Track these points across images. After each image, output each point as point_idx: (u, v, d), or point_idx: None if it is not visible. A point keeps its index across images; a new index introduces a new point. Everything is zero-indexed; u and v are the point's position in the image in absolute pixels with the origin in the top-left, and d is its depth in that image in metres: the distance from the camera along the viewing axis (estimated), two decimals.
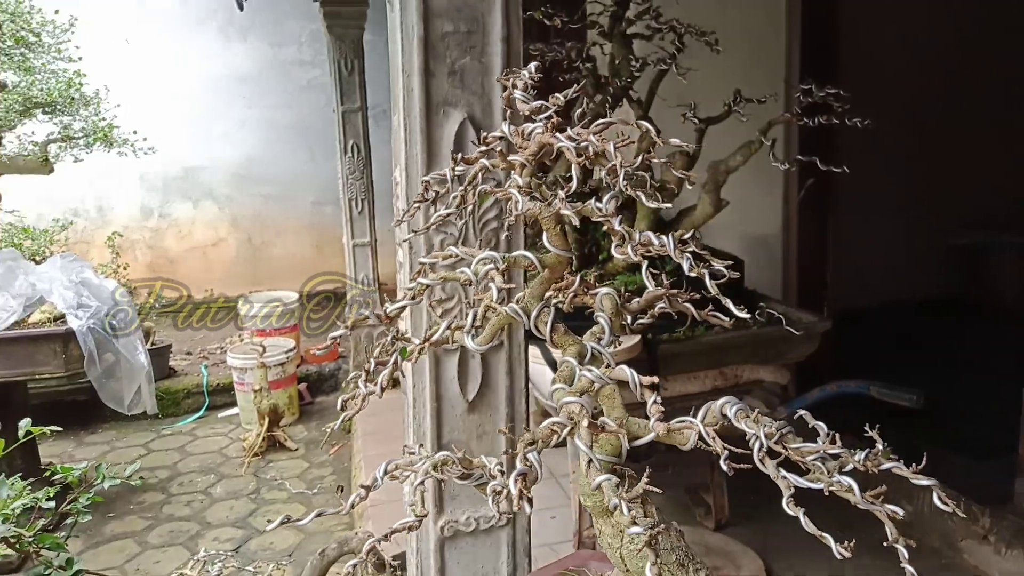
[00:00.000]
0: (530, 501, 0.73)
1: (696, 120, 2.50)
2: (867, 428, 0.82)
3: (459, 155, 0.83)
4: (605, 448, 0.77)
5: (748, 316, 0.90)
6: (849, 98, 2.30)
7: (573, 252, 0.84)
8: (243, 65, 6.34)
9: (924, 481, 0.76)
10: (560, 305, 0.93)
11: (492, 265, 0.78)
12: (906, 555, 0.72)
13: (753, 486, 3.25)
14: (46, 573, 1.17)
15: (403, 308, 0.80)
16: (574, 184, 0.79)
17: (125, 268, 5.24)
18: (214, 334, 5.95)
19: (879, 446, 0.79)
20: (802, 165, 3.58)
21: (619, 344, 0.90)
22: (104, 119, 3.81)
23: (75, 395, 4.71)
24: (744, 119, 2.41)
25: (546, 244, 0.82)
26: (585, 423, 0.75)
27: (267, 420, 4.30)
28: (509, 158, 0.80)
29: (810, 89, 2.29)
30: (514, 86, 0.83)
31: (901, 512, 0.73)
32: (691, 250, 0.81)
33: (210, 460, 4.36)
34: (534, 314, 0.82)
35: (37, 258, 4.12)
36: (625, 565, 0.84)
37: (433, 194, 0.84)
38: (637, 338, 2.33)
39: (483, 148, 0.81)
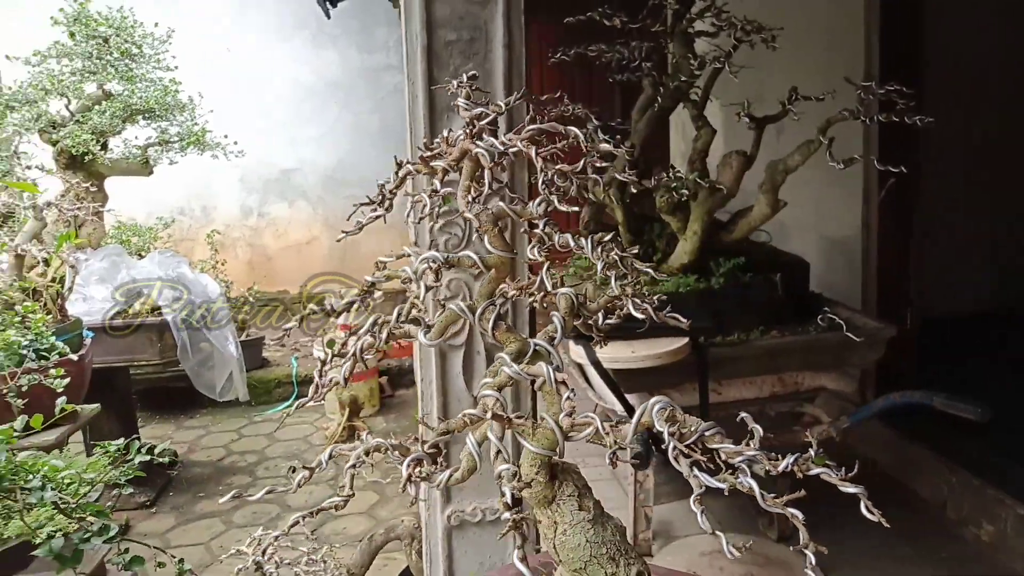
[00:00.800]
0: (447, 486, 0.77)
1: (749, 119, 2.44)
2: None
3: (401, 160, 0.87)
4: (542, 442, 0.79)
5: (685, 323, 0.90)
6: (914, 95, 2.19)
7: (514, 253, 0.86)
8: (333, 71, 6.62)
9: (851, 489, 0.76)
10: (534, 304, 0.96)
11: (427, 265, 0.82)
12: (813, 560, 0.71)
13: (822, 498, 3.16)
14: (86, 538, 1.29)
15: (350, 305, 0.85)
16: (485, 188, 0.82)
17: (223, 264, 5.59)
18: (305, 327, 6.24)
19: (810, 452, 0.78)
20: (883, 164, 3.44)
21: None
22: (198, 124, 4.07)
23: (176, 382, 5.06)
24: (796, 118, 2.34)
25: (487, 245, 0.85)
26: (489, 416, 0.77)
27: (347, 411, 4.49)
28: (431, 163, 0.84)
29: (869, 86, 2.20)
30: (461, 95, 0.87)
31: (801, 515, 0.72)
32: (616, 253, 0.81)
33: (295, 447, 4.59)
34: (479, 311, 0.85)
35: (142, 253, 4.46)
36: (558, 554, 0.86)
37: (380, 198, 0.88)
38: (684, 340, 2.31)
39: (427, 154, 0.85)
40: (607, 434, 0.76)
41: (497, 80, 1.27)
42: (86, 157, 3.79)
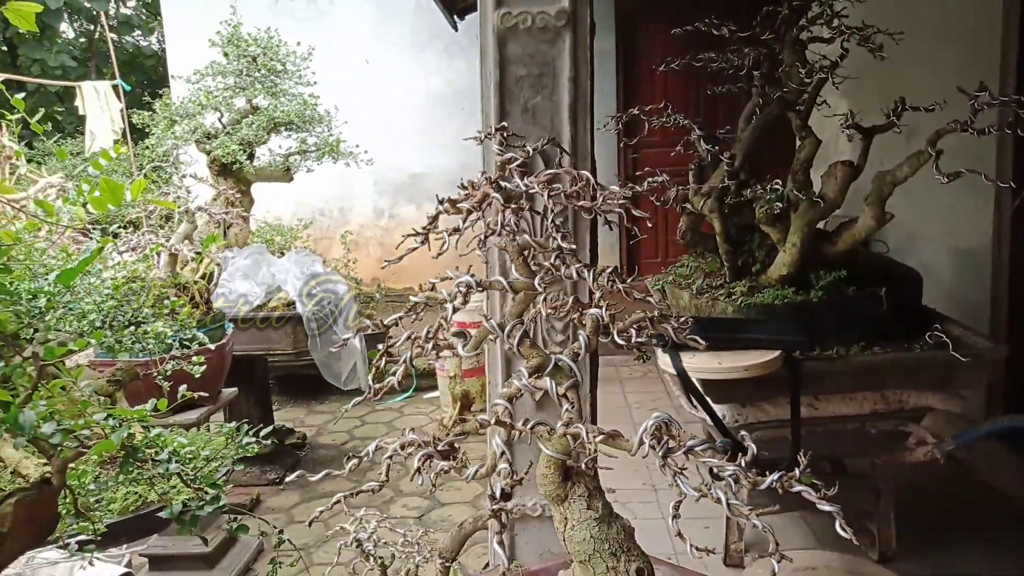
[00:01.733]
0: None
1: (855, 129, 2.39)
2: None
3: (443, 199, 0.99)
4: (556, 447, 0.88)
5: (702, 344, 0.96)
6: None
7: (541, 284, 0.95)
8: (462, 80, 6.89)
9: (827, 507, 0.80)
10: (565, 321, 1.05)
11: (458, 288, 0.93)
12: (776, 567, 0.76)
13: (926, 521, 3.03)
14: (200, 505, 1.51)
15: (399, 319, 0.98)
16: (499, 227, 0.91)
17: (354, 262, 5.98)
18: (429, 322, 6.55)
19: (796, 472, 0.83)
20: (1019, 173, 3.23)
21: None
22: (333, 135, 4.41)
23: (309, 370, 5.49)
24: (899, 131, 2.27)
25: (514, 272, 0.95)
26: (494, 420, 0.87)
27: (459, 404, 4.71)
28: (458, 204, 0.95)
29: (977, 96, 2.10)
30: (496, 141, 0.98)
31: (760, 524, 0.78)
32: (617, 284, 0.89)
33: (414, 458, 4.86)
34: (507, 329, 0.95)
35: (284, 252, 4.88)
36: (567, 546, 0.95)
37: (422, 234, 1.01)
38: (775, 353, 2.30)
39: (455, 197, 0.97)
40: (596, 442, 0.84)
41: (563, 111, 1.36)
42: (235, 165, 4.21)
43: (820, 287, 2.45)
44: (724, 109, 5.72)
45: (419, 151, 6.99)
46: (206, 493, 1.53)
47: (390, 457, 0.99)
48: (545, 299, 0.98)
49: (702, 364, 2.28)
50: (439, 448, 0.92)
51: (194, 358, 2.72)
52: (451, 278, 0.99)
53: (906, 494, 2.86)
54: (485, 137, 0.99)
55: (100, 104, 5.94)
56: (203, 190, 4.37)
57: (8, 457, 1.45)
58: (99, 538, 1.80)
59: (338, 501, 1.04)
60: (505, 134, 0.99)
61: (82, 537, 1.78)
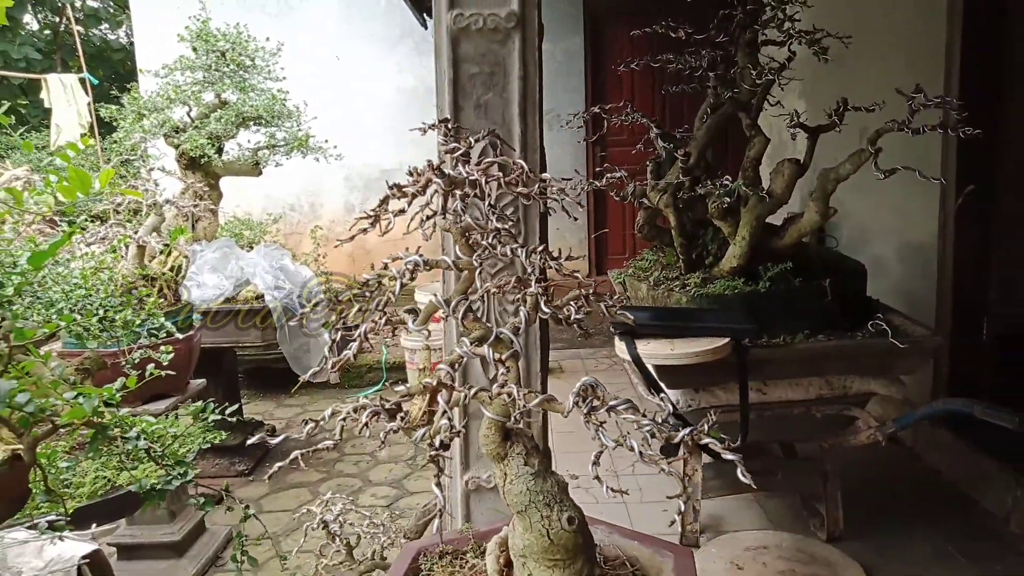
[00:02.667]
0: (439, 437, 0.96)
1: (799, 128, 2.51)
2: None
3: (392, 184, 1.08)
4: (495, 409, 0.97)
5: (630, 319, 1.05)
6: (963, 106, 2.21)
7: (478, 261, 1.04)
8: (433, 77, 6.94)
9: (729, 456, 0.89)
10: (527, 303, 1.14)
11: (407, 266, 1.01)
12: (678, 515, 0.86)
13: (873, 503, 3.17)
14: (168, 479, 1.57)
15: (352, 297, 1.06)
16: (440, 210, 1.00)
17: (324, 257, 6.02)
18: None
19: (704, 426, 0.92)
20: (962, 171, 3.38)
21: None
22: (302, 130, 4.46)
23: (279, 363, 5.52)
24: (838, 130, 2.39)
25: (456, 252, 1.04)
26: (436, 383, 0.95)
27: (428, 396, 4.77)
28: (404, 189, 1.03)
29: (914, 97, 2.23)
30: (440, 132, 1.06)
31: (668, 471, 0.87)
32: (546, 261, 0.97)
33: (380, 428, 4.93)
34: (453, 304, 1.03)
35: (253, 246, 4.91)
36: (506, 499, 1.04)
37: (373, 216, 1.09)
38: (724, 340, 2.41)
39: (403, 183, 1.05)
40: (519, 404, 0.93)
41: (513, 107, 1.45)
42: (203, 159, 4.24)
43: (768, 278, 2.57)
44: (689, 108, 5.85)
45: (390, 147, 7.04)
46: (173, 469, 1.60)
47: (343, 419, 1.07)
48: (491, 277, 1.06)
49: (655, 350, 2.38)
50: (386, 408, 1.00)
51: (162, 347, 2.77)
52: (401, 258, 1.07)
53: (853, 477, 3.00)
54: (429, 128, 1.07)
55: (66, 97, 5.91)
56: (171, 183, 4.39)
57: None
58: (68, 519, 1.86)
59: (294, 459, 1.11)
60: (449, 126, 1.08)
61: (52, 517, 1.84)
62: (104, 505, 2.21)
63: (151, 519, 3.40)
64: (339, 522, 2.41)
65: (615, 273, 3.46)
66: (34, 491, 1.50)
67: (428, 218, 1.02)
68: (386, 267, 1.09)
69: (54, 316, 2.26)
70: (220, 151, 4.37)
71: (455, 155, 1.02)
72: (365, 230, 1.11)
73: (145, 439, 1.50)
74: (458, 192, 1.00)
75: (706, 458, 2.93)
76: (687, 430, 0.94)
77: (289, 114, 4.47)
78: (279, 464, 1.12)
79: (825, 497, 2.93)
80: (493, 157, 1.16)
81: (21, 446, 1.42)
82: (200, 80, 4.23)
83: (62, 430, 1.47)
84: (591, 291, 1.06)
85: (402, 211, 1.04)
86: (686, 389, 2.65)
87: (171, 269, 3.98)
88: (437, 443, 0.94)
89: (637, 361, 2.41)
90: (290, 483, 4.23)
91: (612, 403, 0.92)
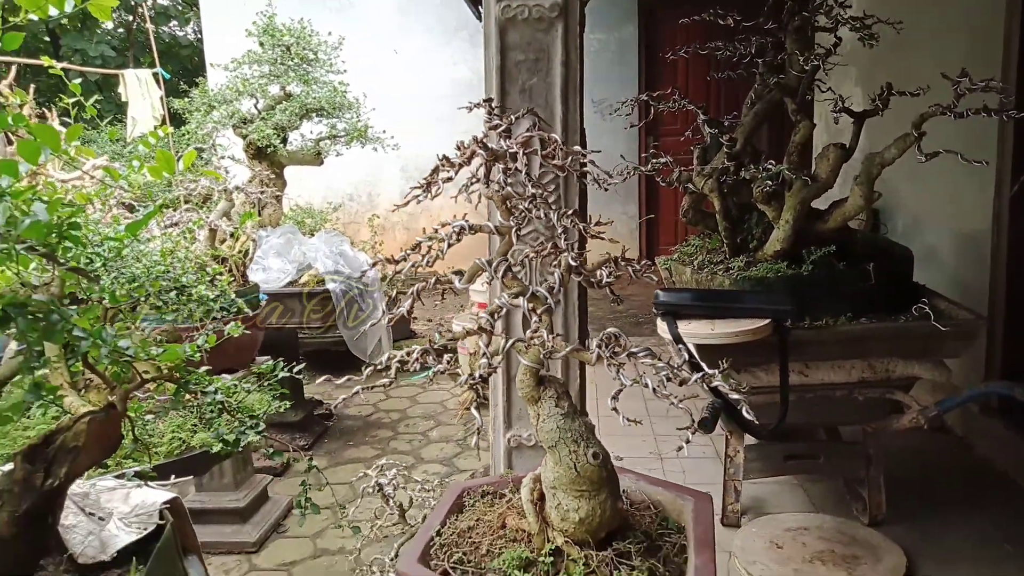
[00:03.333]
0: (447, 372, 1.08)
1: (847, 113, 2.54)
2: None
3: (441, 156, 1.19)
4: (530, 357, 1.07)
5: (656, 279, 1.14)
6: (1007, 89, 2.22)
7: (515, 223, 1.14)
8: None
9: (735, 396, 0.98)
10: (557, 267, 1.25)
11: (454, 229, 1.12)
12: (685, 443, 0.95)
13: (919, 490, 3.18)
14: (243, 430, 1.73)
15: (407, 255, 1.18)
16: (483, 178, 1.10)
17: (381, 244, 6.22)
18: (451, 304, 6.79)
19: (716, 372, 1.01)
20: (1018, 158, 3.34)
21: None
22: (361, 121, 4.64)
23: (338, 346, 5.75)
24: (881, 114, 2.42)
25: (497, 217, 1.14)
26: (477, 327, 1.06)
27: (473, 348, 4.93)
28: (451, 160, 1.15)
29: (960, 81, 2.25)
30: (485, 110, 1.17)
31: (680, 403, 0.96)
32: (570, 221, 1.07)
33: (432, 409, 5.11)
34: (494, 264, 1.14)
35: (313, 232, 5.12)
36: (539, 436, 1.15)
37: (425, 184, 1.21)
38: (765, 321, 2.47)
39: (463, 151, 1.16)
40: (575, 352, 1.04)
41: (556, 91, 1.56)
42: (269, 149, 4.45)
43: (811, 261, 2.61)
44: (743, 96, 5.85)
45: (445, 138, 7.07)
46: (246, 421, 1.76)
47: (400, 361, 1.19)
48: (533, 252, 1.17)
49: (696, 330, 2.46)
50: (435, 347, 1.12)
51: (232, 323, 2.97)
52: (449, 224, 1.19)
53: (901, 464, 3.02)
54: (475, 107, 1.19)
55: (141, 91, 6.23)
56: (240, 171, 4.62)
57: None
58: (152, 470, 2.07)
59: (356, 392, 1.22)
60: (493, 105, 1.19)
61: (137, 468, 2.04)
62: (180, 463, 2.41)
63: (218, 487, 3.63)
64: (393, 486, 2.56)
65: (662, 260, 3.53)
66: (125, 439, 1.68)
67: (471, 184, 1.13)
68: (436, 231, 1.21)
69: (135, 291, 2.47)
70: (285, 141, 4.58)
71: (498, 131, 1.12)
72: (419, 199, 1.23)
73: (222, 394, 1.66)
74: (500, 164, 1.11)
75: (749, 439, 2.99)
76: (697, 374, 1.03)
77: (349, 105, 4.66)
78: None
79: (868, 481, 2.95)
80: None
81: (115, 397, 1.59)
82: (267, 73, 4.44)
83: (149, 385, 1.64)
84: (637, 264, 1.16)
85: (449, 179, 1.16)
86: (727, 370, 2.72)
87: (240, 252, 4.21)
88: (476, 376, 1.06)
89: (678, 340, 2.49)
90: (347, 459, 4.42)
91: (632, 350, 1.02)
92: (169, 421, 2.31)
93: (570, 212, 1.14)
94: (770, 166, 2.53)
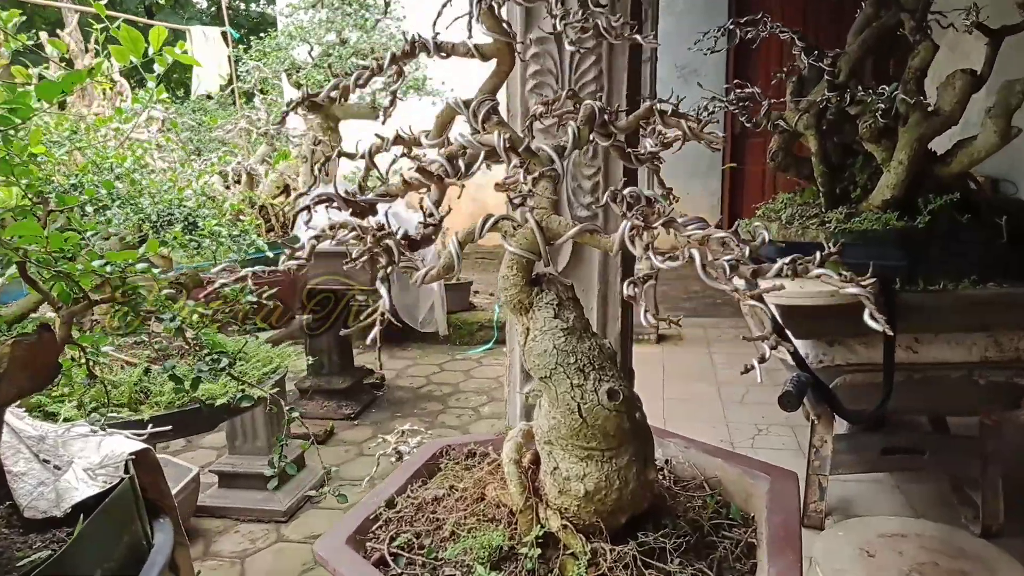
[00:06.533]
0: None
1: (981, 31, 2.05)
2: None
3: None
4: (521, 241, 0.72)
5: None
6: None
7: (513, 39, 0.78)
8: None
9: (852, 290, 0.62)
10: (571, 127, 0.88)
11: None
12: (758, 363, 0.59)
13: None
14: (248, 394, 1.46)
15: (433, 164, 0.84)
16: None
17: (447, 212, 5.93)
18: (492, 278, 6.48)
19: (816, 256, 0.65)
20: None
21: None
22: (419, 71, 4.33)
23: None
24: None
25: (484, 30, 0.78)
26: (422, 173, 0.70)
27: None
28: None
29: None
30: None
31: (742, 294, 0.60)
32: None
33: (486, 384, 4.79)
34: (472, 106, 0.78)
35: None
36: (527, 362, 0.78)
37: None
38: (870, 279, 2.02)
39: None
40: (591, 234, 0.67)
41: None
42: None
43: (929, 212, 2.14)
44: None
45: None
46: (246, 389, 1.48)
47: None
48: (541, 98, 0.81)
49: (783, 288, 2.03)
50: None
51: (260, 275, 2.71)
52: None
53: (1017, 462, 2.52)
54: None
55: (208, 48, 6.13)
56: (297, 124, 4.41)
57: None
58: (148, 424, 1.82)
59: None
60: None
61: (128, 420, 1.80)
62: (180, 416, 2.15)
63: (251, 449, 3.41)
64: (413, 454, 2.24)
65: (744, 222, 3.08)
66: (73, 375, 1.41)
67: None
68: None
69: (142, 222, 2.23)
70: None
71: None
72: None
73: (180, 320, 1.37)
74: None
75: (839, 427, 2.54)
76: (786, 259, 0.66)
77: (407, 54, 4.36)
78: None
79: (983, 483, 2.47)
80: None
81: (56, 317, 1.32)
82: (324, 20, 4.19)
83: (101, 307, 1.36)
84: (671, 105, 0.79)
85: None
86: (817, 341, 2.27)
87: (291, 209, 3.98)
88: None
89: (760, 300, 2.06)
90: (393, 429, 4.15)
91: (673, 216, 0.65)
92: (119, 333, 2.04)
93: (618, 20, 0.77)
94: (885, 91, 2.06)
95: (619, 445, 0.77)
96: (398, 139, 0.84)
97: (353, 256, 0.81)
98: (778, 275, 0.68)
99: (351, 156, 0.95)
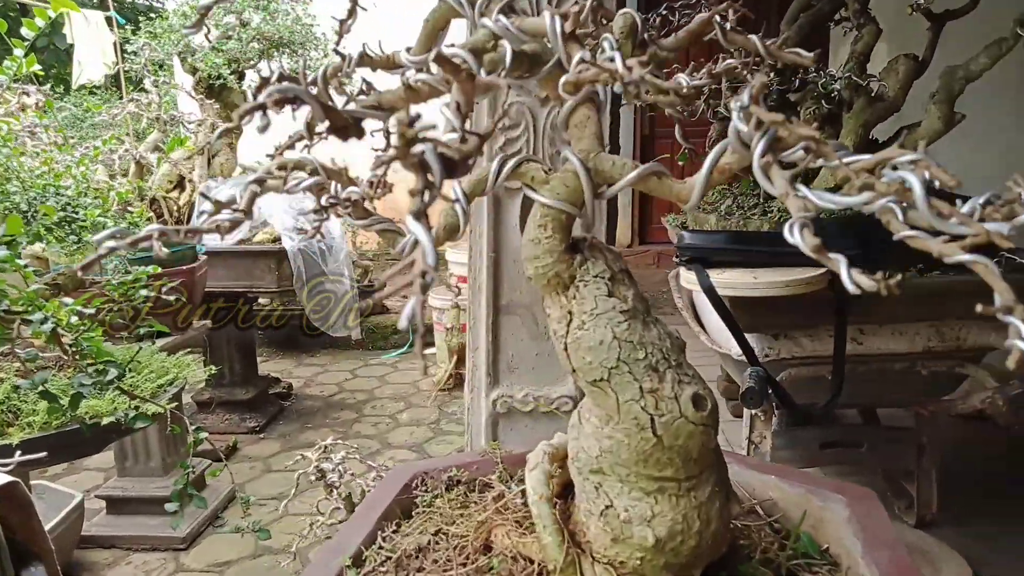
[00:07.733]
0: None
1: (924, 15, 2.02)
2: None
3: None
4: (557, 190, 0.53)
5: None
6: None
7: None
8: None
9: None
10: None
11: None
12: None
13: (970, 482, 2.68)
14: (138, 414, 1.20)
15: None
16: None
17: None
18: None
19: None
20: None
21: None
22: (329, 60, 4.06)
23: (297, 319, 5.18)
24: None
25: None
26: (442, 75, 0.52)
27: (455, 358, 4.38)
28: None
29: None
30: None
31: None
32: None
33: (403, 390, 4.55)
34: None
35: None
36: (570, 360, 0.59)
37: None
38: (820, 270, 1.95)
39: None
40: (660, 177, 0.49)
41: None
42: (219, 84, 3.86)
43: None
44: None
45: None
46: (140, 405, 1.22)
47: None
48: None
49: (734, 279, 1.93)
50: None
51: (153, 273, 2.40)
52: None
53: (954, 458, 2.53)
54: None
55: (90, 34, 5.59)
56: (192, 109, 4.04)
57: None
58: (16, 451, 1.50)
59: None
60: None
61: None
62: (57, 438, 1.83)
63: (143, 471, 3.05)
64: (339, 472, 2.00)
65: (671, 217, 2.99)
66: None
67: None
68: None
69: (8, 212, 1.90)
70: (241, 77, 3.99)
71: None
72: None
73: (116, 367, 1.10)
74: None
75: (778, 424, 2.47)
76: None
77: (316, 43, 4.08)
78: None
79: (918, 474, 2.46)
80: None
81: None
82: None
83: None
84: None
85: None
86: (764, 334, 2.19)
87: (185, 204, 3.63)
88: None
89: (710, 292, 1.95)
90: (303, 442, 3.86)
91: (830, 148, 0.48)
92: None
93: None
94: (831, 75, 1.99)
95: (700, 472, 0.58)
96: (364, 58, 0.64)
97: (323, 203, 0.60)
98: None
99: (262, 108, 0.73)
